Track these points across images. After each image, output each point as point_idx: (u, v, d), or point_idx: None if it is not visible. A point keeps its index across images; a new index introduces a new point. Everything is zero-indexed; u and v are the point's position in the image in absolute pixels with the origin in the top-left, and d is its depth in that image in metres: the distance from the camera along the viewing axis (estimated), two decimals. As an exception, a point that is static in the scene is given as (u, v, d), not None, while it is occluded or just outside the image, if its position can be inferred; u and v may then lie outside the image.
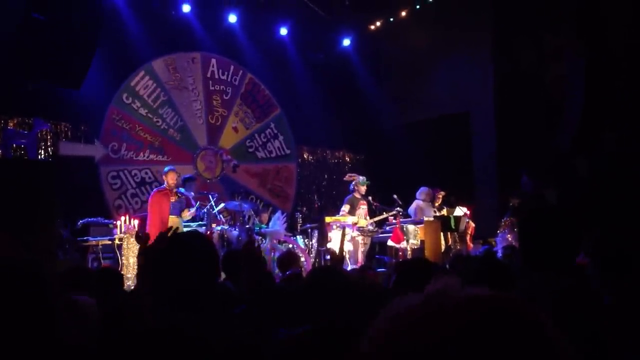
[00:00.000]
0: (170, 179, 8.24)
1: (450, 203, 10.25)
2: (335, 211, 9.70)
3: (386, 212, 9.55)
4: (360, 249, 9.22)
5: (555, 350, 0.63)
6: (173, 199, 8.22)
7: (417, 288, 0.71)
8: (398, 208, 9.41)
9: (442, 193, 10.26)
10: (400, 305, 0.68)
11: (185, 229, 8.19)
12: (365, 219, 9.36)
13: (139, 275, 2.44)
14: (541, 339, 0.63)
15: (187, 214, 8.40)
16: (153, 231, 7.73)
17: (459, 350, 0.60)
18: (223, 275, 5.22)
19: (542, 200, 9.72)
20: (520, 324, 0.63)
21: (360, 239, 9.12)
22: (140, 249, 3.03)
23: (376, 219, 9.56)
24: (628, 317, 1.94)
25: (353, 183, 9.50)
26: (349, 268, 7.63)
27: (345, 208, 9.26)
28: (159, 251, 2.06)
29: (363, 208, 9.38)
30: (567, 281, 1.92)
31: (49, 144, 9.48)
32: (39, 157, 8.99)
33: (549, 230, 2.06)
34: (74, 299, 2.67)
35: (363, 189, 9.44)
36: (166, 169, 8.52)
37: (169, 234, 2.15)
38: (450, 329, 0.62)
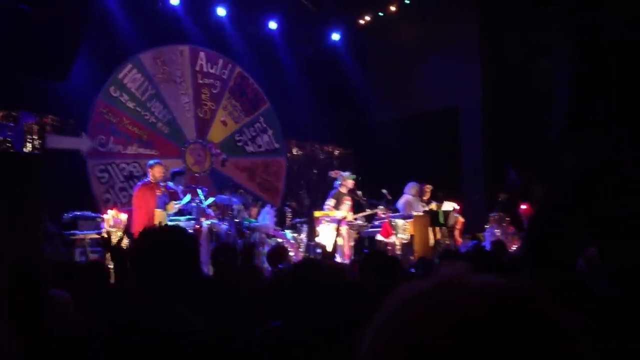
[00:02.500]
0: (157, 173, 8.18)
1: (438, 198, 10.28)
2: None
3: (370, 209, 9.59)
4: (350, 243, 9.26)
5: (570, 340, 0.61)
6: (158, 192, 8.17)
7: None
8: (381, 206, 9.46)
9: (429, 186, 10.29)
10: (409, 294, 0.65)
11: (172, 223, 8.15)
12: (349, 213, 9.40)
13: (114, 270, 2.43)
14: (559, 331, 0.61)
15: (173, 207, 8.34)
16: (139, 225, 7.68)
17: (474, 343, 0.58)
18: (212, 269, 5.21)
19: (529, 195, 9.78)
20: (536, 313, 0.61)
21: (345, 232, 9.14)
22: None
23: (359, 215, 9.60)
24: (631, 312, 1.94)
25: (340, 178, 9.52)
26: (340, 261, 7.64)
27: (331, 202, 9.30)
28: (139, 246, 2.05)
29: (347, 203, 9.43)
30: (565, 276, 1.92)
31: (35, 137, 9.38)
32: (25, 150, 8.89)
33: (562, 225, 2.05)
34: (51, 294, 2.66)
35: (350, 183, 9.49)
36: (152, 162, 8.45)
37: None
38: (464, 320, 0.59)
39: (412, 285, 0.66)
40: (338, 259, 8.30)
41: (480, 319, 0.59)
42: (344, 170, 9.91)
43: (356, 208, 9.69)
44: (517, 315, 0.60)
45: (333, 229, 8.53)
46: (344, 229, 9.01)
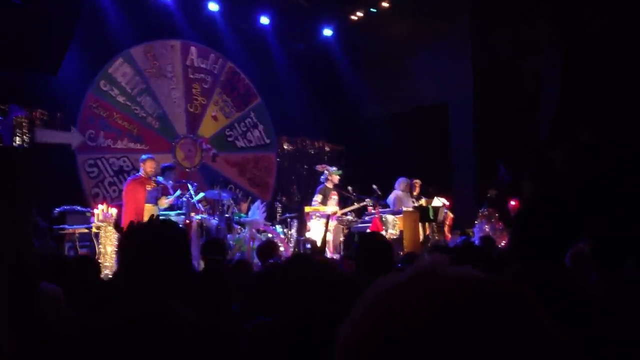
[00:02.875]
0: (149, 167, 8.17)
1: (428, 194, 10.32)
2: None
3: (357, 203, 9.61)
4: (340, 238, 9.31)
5: (544, 335, 0.61)
6: (149, 187, 8.16)
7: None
8: (367, 199, 9.50)
9: (418, 181, 10.32)
10: (385, 286, 0.64)
11: (163, 217, 8.14)
12: (337, 208, 9.44)
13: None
14: (534, 326, 0.61)
15: (164, 201, 8.34)
16: (128, 219, 7.67)
17: (449, 335, 0.58)
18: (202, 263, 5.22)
19: (519, 191, 9.85)
20: (511, 307, 0.61)
21: (332, 227, 9.16)
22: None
23: (346, 209, 9.62)
24: (622, 307, 1.96)
25: (326, 173, 9.54)
26: (329, 256, 7.67)
27: (318, 198, 9.32)
28: (130, 240, 2.05)
29: (334, 198, 9.45)
30: (552, 272, 1.94)
31: (24, 130, 9.32)
32: (14, 143, 8.84)
33: (549, 222, 2.06)
34: (42, 288, 2.65)
35: (336, 178, 9.52)
36: (144, 156, 8.45)
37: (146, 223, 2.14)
38: (440, 312, 0.59)
39: (390, 277, 0.65)
40: (328, 254, 8.34)
41: (460, 310, 0.59)
42: (331, 165, 9.93)
43: (343, 203, 9.72)
44: (496, 306, 0.60)
45: (322, 224, 8.56)
46: (331, 224, 9.03)
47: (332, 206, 9.28)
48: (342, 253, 8.66)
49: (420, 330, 0.58)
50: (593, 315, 1.87)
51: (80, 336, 1.84)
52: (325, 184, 9.47)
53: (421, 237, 9.39)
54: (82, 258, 4.58)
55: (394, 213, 9.38)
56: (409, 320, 0.59)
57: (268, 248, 5.46)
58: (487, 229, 9.57)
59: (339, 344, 0.64)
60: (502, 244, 8.61)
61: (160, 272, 1.92)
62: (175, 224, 2.27)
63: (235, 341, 2.28)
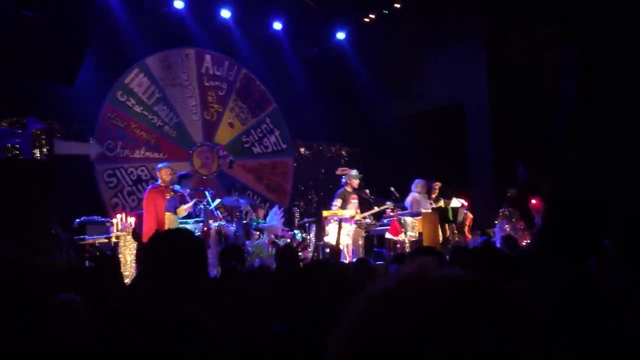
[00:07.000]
0: (165, 175, 8.21)
1: (447, 195, 10.23)
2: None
3: (377, 207, 9.53)
4: (359, 242, 9.25)
5: (531, 331, 0.62)
6: (168, 195, 8.19)
7: None
8: (388, 202, 9.43)
9: (438, 184, 10.21)
10: (374, 289, 0.67)
11: (181, 226, 8.19)
12: (356, 212, 9.36)
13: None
14: (517, 319, 0.62)
15: (183, 210, 8.37)
16: (149, 228, 7.71)
17: (433, 333, 0.60)
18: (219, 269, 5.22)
19: (539, 190, 9.72)
20: (494, 303, 0.63)
21: (351, 232, 9.09)
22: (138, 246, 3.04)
23: (367, 213, 9.55)
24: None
25: (346, 177, 9.48)
26: (347, 261, 7.64)
27: (337, 202, 9.24)
28: (149, 249, 2.06)
29: (354, 202, 9.37)
30: (577, 270, 1.91)
31: (43, 142, 9.43)
32: (34, 156, 8.94)
33: (572, 220, 2.03)
34: (61, 298, 2.66)
35: (356, 182, 9.44)
36: (160, 165, 8.49)
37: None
38: (423, 311, 0.61)
39: (380, 281, 0.69)
40: (346, 257, 8.30)
41: (438, 309, 0.62)
42: (351, 169, 9.86)
43: (362, 206, 9.65)
44: (474, 303, 0.62)
45: (336, 227, 8.52)
46: (350, 227, 8.97)
47: (351, 210, 9.22)
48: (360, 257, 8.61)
49: (406, 330, 0.61)
50: (613, 313, 1.84)
51: (100, 344, 1.83)
52: (345, 187, 9.41)
53: (441, 239, 9.32)
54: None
55: (413, 215, 9.31)
56: (395, 321, 0.62)
57: (287, 253, 5.43)
58: (508, 229, 9.47)
59: (330, 346, 0.67)
60: (524, 243, 8.51)
61: (180, 279, 1.91)
62: (190, 232, 2.28)
63: (254, 346, 2.26)
